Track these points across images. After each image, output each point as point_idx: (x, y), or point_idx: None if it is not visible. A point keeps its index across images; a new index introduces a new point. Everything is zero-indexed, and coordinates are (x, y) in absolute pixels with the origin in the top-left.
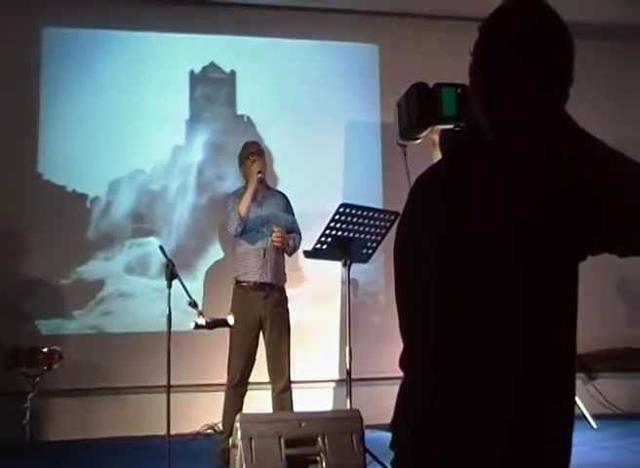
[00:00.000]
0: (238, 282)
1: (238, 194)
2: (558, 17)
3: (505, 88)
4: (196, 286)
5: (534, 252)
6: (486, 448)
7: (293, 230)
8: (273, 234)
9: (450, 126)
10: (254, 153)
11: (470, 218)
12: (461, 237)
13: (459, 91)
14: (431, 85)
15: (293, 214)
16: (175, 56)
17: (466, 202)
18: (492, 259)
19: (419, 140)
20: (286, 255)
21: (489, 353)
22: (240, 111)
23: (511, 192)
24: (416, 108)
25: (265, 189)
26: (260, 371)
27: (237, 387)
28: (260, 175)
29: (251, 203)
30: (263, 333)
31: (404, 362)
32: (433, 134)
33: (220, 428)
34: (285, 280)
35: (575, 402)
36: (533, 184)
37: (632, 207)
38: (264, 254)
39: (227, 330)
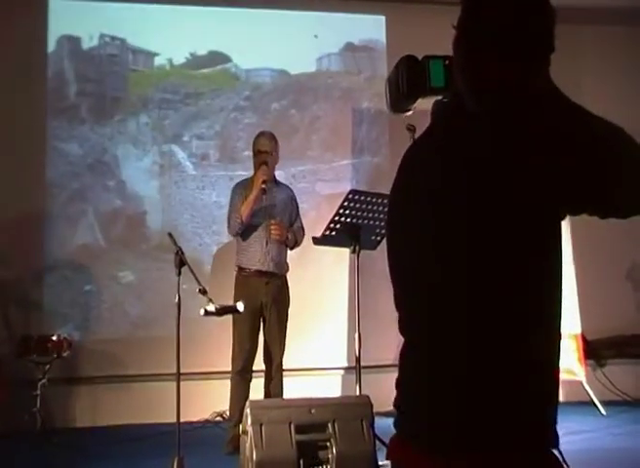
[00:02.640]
0: (241, 268)
1: (244, 186)
2: None
3: (485, 59)
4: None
5: (508, 217)
6: (477, 412)
7: (295, 224)
8: (271, 226)
9: (439, 97)
10: (263, 152)
11: (449, 188)
12: (441, 208)
13: (446, 62)
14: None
15: (297, 210)
16: (178, 29)
17: (443, 172)
18: (469, 229)
19: (410, 112)
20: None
21: (458, 317)
22: (245, 89)
23: (485, 157)
24: (405, 80)
25: (272, 182)
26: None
27: (242, 373)
28: (263, 186)
29: (253, 207)
30: (263, 319)
31: (401, 328)
32: None
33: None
34: (287, 270)
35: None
36: (503, 146)
37: (606, 165)
38: (266, 245)
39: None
